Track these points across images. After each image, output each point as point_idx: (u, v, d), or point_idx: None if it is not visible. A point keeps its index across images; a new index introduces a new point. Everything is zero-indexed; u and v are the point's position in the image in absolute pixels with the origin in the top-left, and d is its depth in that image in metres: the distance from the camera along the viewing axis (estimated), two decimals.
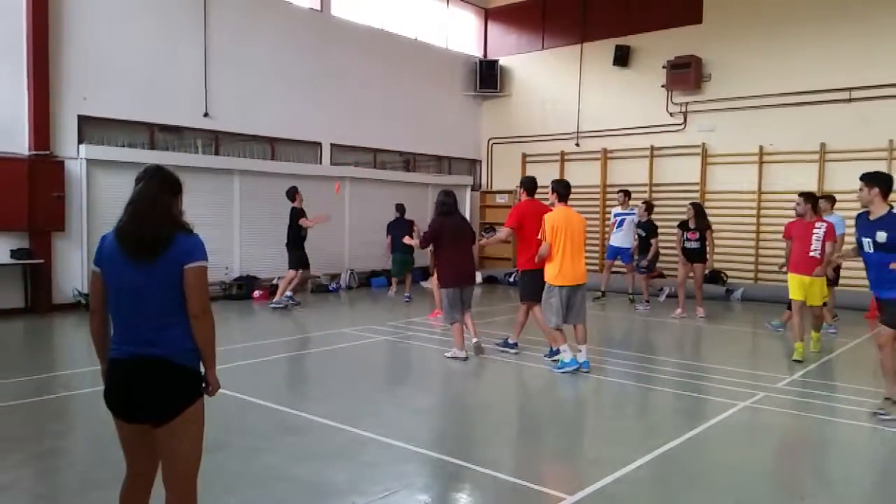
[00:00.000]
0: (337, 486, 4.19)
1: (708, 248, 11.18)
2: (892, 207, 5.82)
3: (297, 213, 11.62)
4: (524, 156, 17.37)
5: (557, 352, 7.51)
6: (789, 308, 10.07)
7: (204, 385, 2.92)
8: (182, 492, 2.88)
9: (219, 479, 4.27)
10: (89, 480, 4.22)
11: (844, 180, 12.87)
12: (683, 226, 11.33)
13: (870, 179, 5.87)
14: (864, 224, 5.92)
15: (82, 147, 10.94)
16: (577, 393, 6.90)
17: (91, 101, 11.13)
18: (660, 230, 12.41)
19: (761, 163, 13.79)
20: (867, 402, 6.30)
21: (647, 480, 4.49)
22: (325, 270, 14.14)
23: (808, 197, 8.29)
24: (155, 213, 2.79)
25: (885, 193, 5.80)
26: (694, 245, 11.15)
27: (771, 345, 9.28)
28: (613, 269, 13.06)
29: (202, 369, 2.90)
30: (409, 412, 5.87)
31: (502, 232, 8.14)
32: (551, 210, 7.51)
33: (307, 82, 14.14)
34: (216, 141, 12.93)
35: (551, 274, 7.22)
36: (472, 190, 17.79)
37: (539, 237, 7.24)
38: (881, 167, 12.49)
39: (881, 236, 5.71)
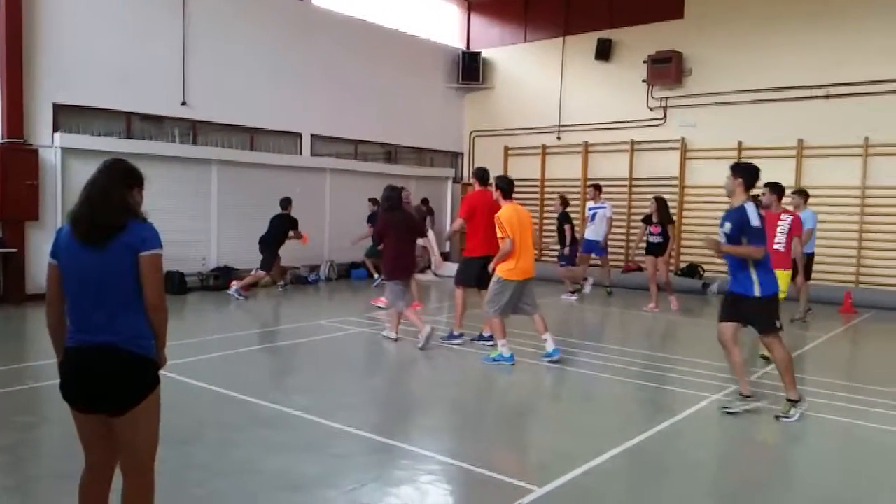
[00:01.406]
0: (308, 479, 4.19)
1: (670, 243, 11.20)
2: (749, 199, 5.70)
3: (293, 223, 12.08)
4: (506, 149, 17.37)
5: (489, 337, 7.82)
6: None
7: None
8: (140, 480, 2.89)
9: (189, 471, 4.26)
10: (57, 472, 4.17)
11: (822, 176, 13.05)
12: (647, 220, 11.37)
13: (735, 169, 5.80)
14: (724, 215, 5.87)
15: (57, 135, 10.78)
16: (548, 385, 6.94)
17: (66, 89, 10.96)
18: (636, 225, 12.49)
19: (740, 158, 13.87)
20: (836, 395, 6.40)
21: (617, 472, 4.52)
22: (305, 262, 14.07)
23: (773, 187, 7.92)
24: (106, 201, 2.78)
25: (748, 186, 5.69)
26: (657, 239, 11.18)
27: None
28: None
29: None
30: (383, 405, 5.87)
31: (456, 223, 8.41)
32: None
33: (288, 72, 14.02)
34: (194, 130, 12.80)
35: (506, 268, 7.26)
36: (454, 182, 17.77)
37: (499, 236, 7.28)
38: (857, 163, 12.70)
39: (727, 227, 5.65)
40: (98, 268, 2.75)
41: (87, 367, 2.77)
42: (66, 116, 11.09)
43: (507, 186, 7.52)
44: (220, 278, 12.42)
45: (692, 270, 13.96)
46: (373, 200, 13.51)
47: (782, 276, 7.60)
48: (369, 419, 5.44)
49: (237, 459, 4.48)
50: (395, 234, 8.12)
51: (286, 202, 12.25)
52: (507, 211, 7.31)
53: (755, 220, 5.53)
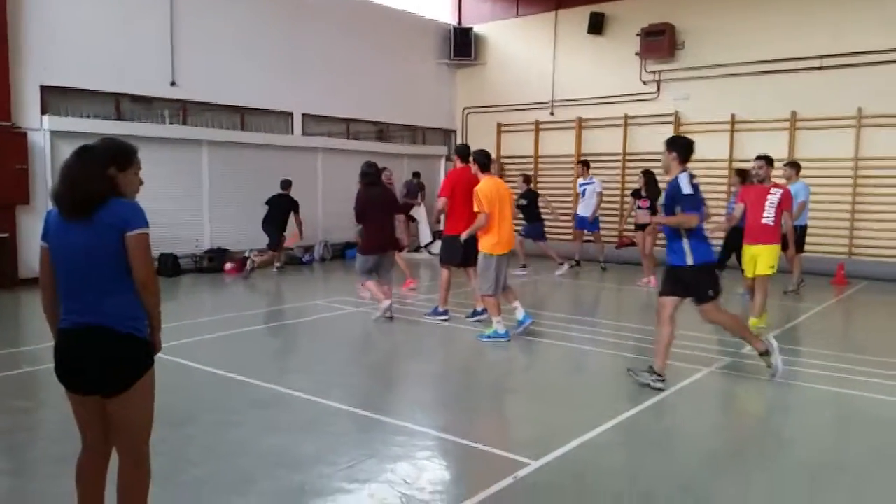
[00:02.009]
0: (304, 458, 4.21)
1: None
2: (683, 171, 5.66)
3: (294, 205, 12.25)
4: (499, 125, 17.28)
5: (481, 312, 7.88)
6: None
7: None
8: (134, 461, 2.90)
9: (187, 452, 4.28)
10: (55, 455, 4.18)
11: (815, 148, 13.03)
12: (636, 194, 11.31)
13: (668, 144, 5.77)
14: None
15: (45, 118, 10.68)
16: (540, 360, 6.97)
17: (54, 71, 10.84)
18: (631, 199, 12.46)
19: (733, 131, 13.86)
20: (830, 365, 6.46)
21: (611, 445, 4.56)
22: (299, 242, 14.03)
23: (769, 160, 7.81)
24: (85, 175, 2.76)
25: (682, 159, 5.66)
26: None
27: (738, 311, 9.40)
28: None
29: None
30: (378, 383, 5.90)
31: (439, 202, 8.30)
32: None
33: (278, 51, 13.87)
34: (184, 111, 12.68)
35: (490, 243, 7.29)
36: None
37: (475, 209, 7.30)
38: (850, 134, 12.69)
39: (661, 199, 5.70)
40: (84, 248, 2.73)
41: (79, 348, 2.77)
42: (54, 99, 10.97)
43: (484, 160, 7.52)
44: (214, 260, 12.40)
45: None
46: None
47: (772, 251, 7.65)
48: (365, 397, 5.47)
49: (234, 440, 4.51)
50: (374, 210, 8.19)
51: (287, 183, 12.31)
52: (485, 185, 7.32)
53: (686, 188, 5.50)
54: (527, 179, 13.15)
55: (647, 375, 5.66)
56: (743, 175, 10.24)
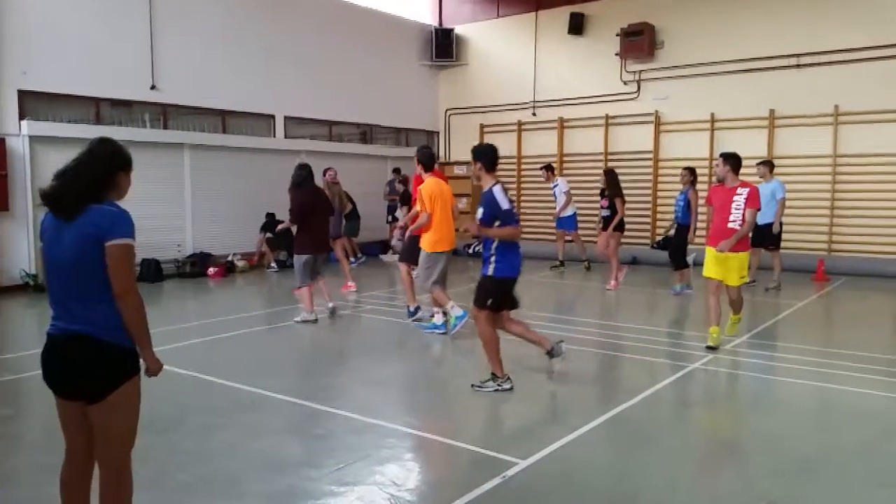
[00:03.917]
0: (291, 461, 4.20)
1: (616, 217, 10.84)
2: (497, 182, 5.62)
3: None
4: (482, 126, 17.32)
5: (415, 312, 8.12)
6: (679, 269, 10.34)
7: (145, 367, 2.88)
8: (115, 470, 2.86)
9: (174, 456, 4.26)
10: (39, 464, 4.14)
11: (793, 146, 13.20)
12: (602, 193, 11.27)
13: (473, 154, 5.69)
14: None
15: (24, 123, 10.55)
16: (523, 359, 6.99)
17: (32, 76, 10.71)
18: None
19: (713, 130, 13.99)
20: (813, 360, 6.53)
21: (599, 442, 4.59)
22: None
23: (727, 157, 6.91)
24: (79, 176, 2.74)
25: (489, 168, 5.61)
26: (605, 213, 11.04)
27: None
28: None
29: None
30: (363, 384, 5.88)
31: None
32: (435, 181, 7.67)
33: (259, 53, 13.81)
34: (164, 114, 12.59)
35: (432, 241, 7.46)
36: None
37: (418, 208, 7.46)
38: (827, 132, 12.86)
39: (479, 211, 5.55)
40: (70, 256, 2.71)
41: (62, 354, 2.76)
42: (32, 104, 10.84)
43: (428, 160, 7.64)
44: (197, 264, 12.31)
45: (669, 243, 14.06)
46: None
47: (741, 260, 6.83)
48: (350, 399, 5.46)
49: (221, 444, 4.48)
50: (309, 210, 8.28)
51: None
52: (428, 185, 7.48)
53: (504, 204, 5.45)
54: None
55: (491, 384, 5.63)
56: (693, 173, 10.29)
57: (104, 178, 2.79)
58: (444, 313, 7.66)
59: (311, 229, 8.30)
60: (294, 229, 8.47)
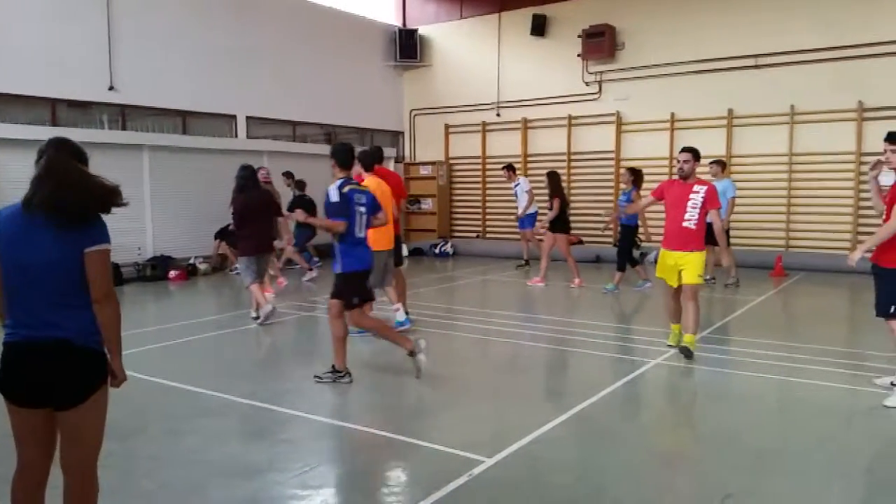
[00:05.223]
0: (256, 465, 4.15)
1: (551, 215, 10.93)
2: (341, 179, 5.83)
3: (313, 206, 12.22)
4: (447, 126, 17.35)
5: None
6: (622, 269, 10.50)
7: (111, 375, 2.82)
8: (85, 477, 2.80)
9: (135, 463, 4.18)
10: None
11: (751, 145, 13.49)
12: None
13: (331, 153, 5.96)
14: None
15: None
16: (490, 358, 7.03)
17: None
18: (576, 197, 12.67)
19: (673, 130, 14.22)
20: (772, 354, 6.67)
21: (564, 439, 4.64)
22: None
23: (696, 153, 6.60)
24: (75, 181, 2.67)
25: (341, 165, 5.86)
26: (550, 214, 11.09)
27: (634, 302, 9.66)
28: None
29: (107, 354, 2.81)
30: (327, 387, 5.84)
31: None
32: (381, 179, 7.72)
33: (220, 52, 13.62)
34: (123, 115, 12.35)
35: (372, 240, 7.41)
36: (396, 162, 17.65)
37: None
38: (784, 131, 13.17)
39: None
40: (44, 257, 2.62)
41: (34, 362, 2.66)
42: None
43: (368, 160, 7.51)
44: (158, 268, 12.10)
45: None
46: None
47: (698, 259, 6.45)
48: (315, 402, 5.42)
49: (184, 450, 4.42)
50: (252, 213, 8.28)
51: (302, 184, 12.50)
52: (368, 184, 7.43)
53: (334, 197, 5.68)
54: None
55: (330, 376, 5.80)
56: (636, 174, 10.41)
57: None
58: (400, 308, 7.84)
59: (253, 232, 8.27)
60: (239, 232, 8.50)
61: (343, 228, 5.68)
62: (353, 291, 5.79)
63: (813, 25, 12.78)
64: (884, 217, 5.33)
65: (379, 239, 7.50)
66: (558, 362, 6.82)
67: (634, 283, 10.73)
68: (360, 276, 5.86)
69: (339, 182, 5.79)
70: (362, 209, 5.84)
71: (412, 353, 5.87)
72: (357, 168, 7.63)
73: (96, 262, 2.67)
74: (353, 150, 6.01)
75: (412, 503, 3.64)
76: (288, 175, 12.94)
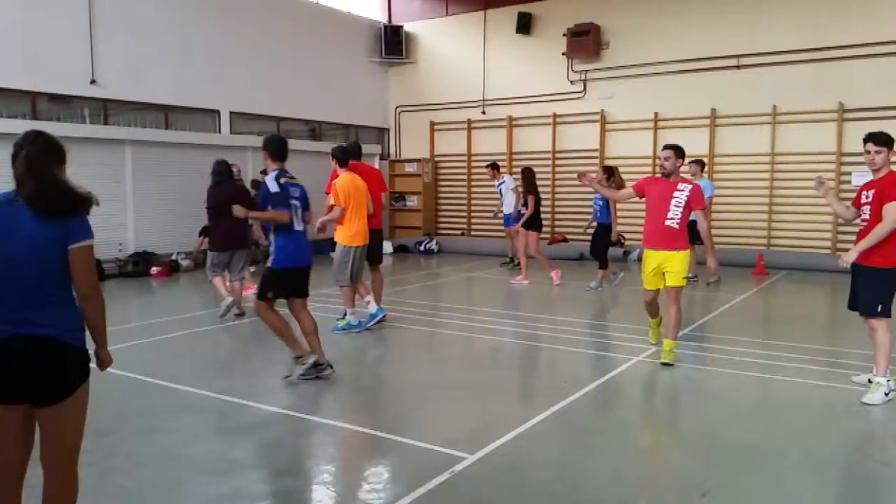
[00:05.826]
0: (237, 463, 4.13)
1: (526, 213, 10.97)
2: (276, 171, 5.90)
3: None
4: (432, 124, 17.34)
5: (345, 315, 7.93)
6: (603, 267, 10.56)
7: (98, 362, 2.87)
8: (65, 476, 2.78)
9: (114, 461, 4.15)
10: None
11: (733, 144, 13.59)
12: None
13: (262, 144, 6.00)
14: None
15: None
16: (473, 355, 7.04)
17: None
18: (560, 195, 12.70)
19: (656, 129, 14.30)
20: (752, 352, 6.74)
21: (546, 435, 4.65)
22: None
23: (681, 152, 6.52)
24: (54, 183, 2.66)
25: (274, 157, 5.90)
26: (523, 211, 11.15)
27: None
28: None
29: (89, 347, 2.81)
30: (309, 384, 5.82)
31: (336, 211, 7.60)
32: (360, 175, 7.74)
33: (204, 47, 13.52)
34: (105, 110, 12.23)
35: (347, 236, 7.53)
36: (381, 159, 17.61)
37: (331, 202, 7.46)
38: (766, 131, 13.28)
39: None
40: (27, 253, 2.59)
41: (18, 358, 2.61)
42: None
43: (342, 156, 7.61)
44: (140, 264, 12.00)
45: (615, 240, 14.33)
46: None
47: (682, 259, 6.32)
48: (297, 399, 5.40)
49: (163, 447, 4.38)
50: (225, 208, 8.00)
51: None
52: (342, 180, 7.49)
53: (273, 187, 5.74)
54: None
55: (299, 369, 5.79)
56: (609, 171, 10.44)
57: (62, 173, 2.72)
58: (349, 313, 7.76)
59: (228, 227, 8.23)
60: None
61: (287, 218, 5.70)
62: (271, 286, 5.78)
63: (794, 27, 12.90)
64: (862, 218, 5.40)
65: (358, 234, 7.52)
66: (540, 359, 6.84)
67: (588, 284, 10.72)
68: (288, 273, 5.81)
69: (274, 173, 5.82)
70: (296, 202, 5.85)
71: (298, 358, 5.80)
72: (332, 164, 7.66)
73: (81, 257, 2.68)
74: (285, 142, 5.97)
75: (394, 500, 3.63)
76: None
